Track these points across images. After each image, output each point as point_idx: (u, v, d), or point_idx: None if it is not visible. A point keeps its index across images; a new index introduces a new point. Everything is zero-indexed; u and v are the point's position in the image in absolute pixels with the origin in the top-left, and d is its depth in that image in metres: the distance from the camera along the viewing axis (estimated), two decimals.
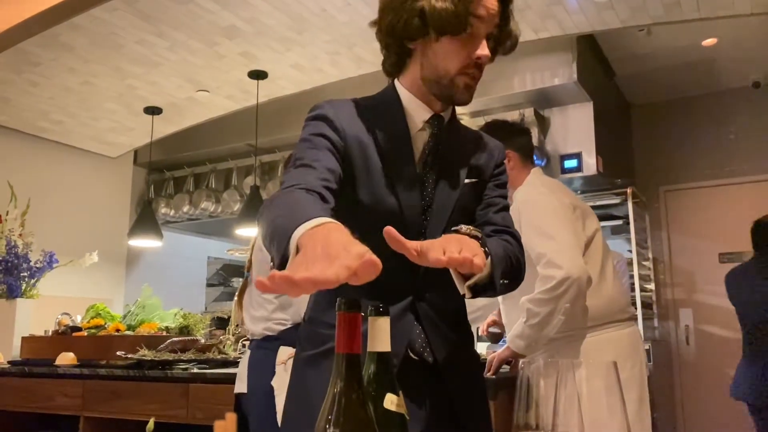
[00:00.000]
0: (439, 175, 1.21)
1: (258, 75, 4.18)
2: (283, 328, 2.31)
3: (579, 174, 4.13)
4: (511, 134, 2.25)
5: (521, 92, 4.11)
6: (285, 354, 2.22)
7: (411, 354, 1.17)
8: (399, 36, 1.18)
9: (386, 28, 1.18)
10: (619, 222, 4.72)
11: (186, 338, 3.03)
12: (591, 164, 4.12)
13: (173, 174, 5.70)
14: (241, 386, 2.37)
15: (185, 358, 2.85)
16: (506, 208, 1.31)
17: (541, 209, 2.08)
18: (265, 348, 2.30)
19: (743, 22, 3.79)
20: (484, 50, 1.13)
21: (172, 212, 5.49)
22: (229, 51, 3.86)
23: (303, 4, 3.37)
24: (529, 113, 4.21)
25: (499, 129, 2.26)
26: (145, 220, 4.81)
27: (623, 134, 5.29)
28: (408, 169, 1.19)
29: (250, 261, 2.49)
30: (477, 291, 1.07)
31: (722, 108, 5.05)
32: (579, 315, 2.02)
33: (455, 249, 0.91)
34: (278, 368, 2.20)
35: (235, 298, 2.57)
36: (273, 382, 2.19)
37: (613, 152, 4.54)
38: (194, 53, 3.87)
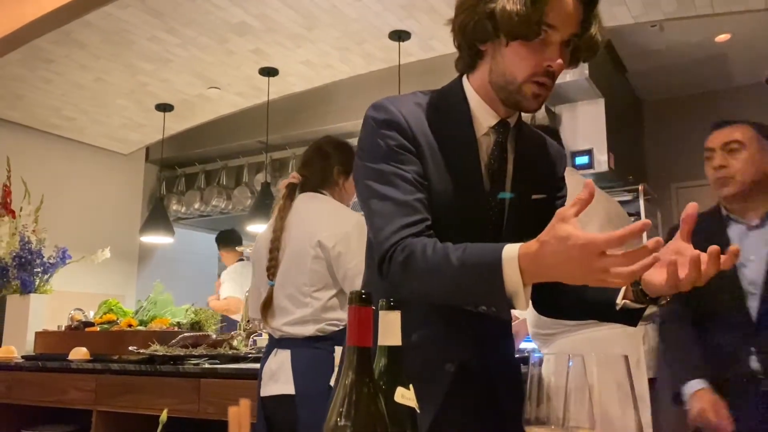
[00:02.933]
0: (505, 185, 1.18)
1: (269, 72, 4.20)
2: (336, 329, 2.20)
3: (590, 171, 4.11)
4: (547, 133, 2.33)
5: None
6: None
7: (461, 361, 1.16)
8: (470, 37, 1.14)
9: (458, 27, 1.15)
10: (631, 219, 4.69)
11: (197, 333, 3.05)
12: (602, 161, 4.10)
13: (185, 171, 5.73)
14: (279, 387, 2.21)
15: (197, 354, 2.87)
16: None
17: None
18: (315, 348, 2.18)
19: (757, 17, 3.75)
20: (556, 58, 1.07)
21: (184, 209, 5.52)
22: (239, 48, 3.88)
23: (313, 1, 3.37)
24: (540, 110, 4.19)
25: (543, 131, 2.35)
26: (156, 216, 4.84)
27: (635, 131, 5.26)
28: (474, 176, 1.15)
29: (275, 267, 2.27)
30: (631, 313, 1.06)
31: (735, 104, 5.00)
32: None
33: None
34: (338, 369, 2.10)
35: (260, 307, 2.41)
36: (333, 383, 2.09)
37: (624, 149, 4.52)
38: (205, 50, 3.88)
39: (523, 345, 2.80)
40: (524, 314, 2.61)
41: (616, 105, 4.41)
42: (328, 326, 2.20)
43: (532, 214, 1.17)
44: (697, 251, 0.91)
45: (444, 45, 3.78)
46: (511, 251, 0.91)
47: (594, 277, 0.84)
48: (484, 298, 0.96)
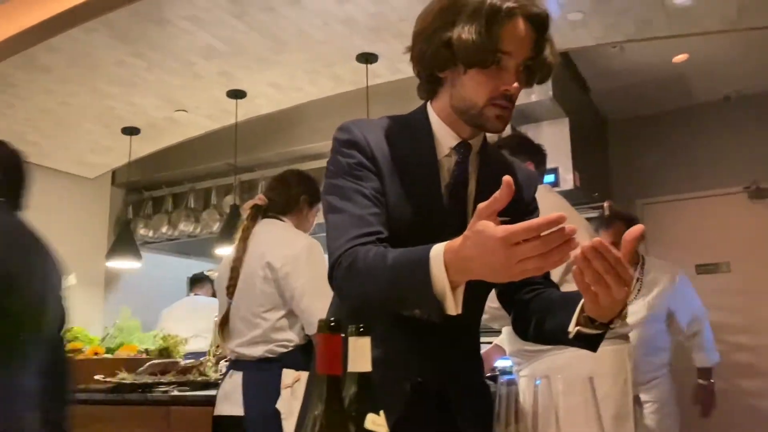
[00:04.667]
0: (468, 205, 1.20)
1: (236, 94, 4.19)
2: (285, 350, 2.25)
3: (557, 189, 4.18)
4: (533, 151, 2.43)
5: None
6: (290, 377, 2.18)
7: (419, 383, 1.17)
8: (428, 65, 1.17)
9: (417, 56, 1.19)
10: (598, 236, 4.77)
11: (166, 360, 3.00)
12: (568, 179, 4.17)
13: (152, 194, 5.66)
14: (231, 408, 2.29)
15: (165, 381, 2.82)
16: None
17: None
18: (264, 370, 2.24)
19: (712, 38, 3.88)
20: (513, 82, 1.12)
21: (151, 233, 5.44)
22: (206, 71, 3.87)
23: (279, 25, 3.39)
24: (506, 130, 4.26)
25: (523, 144, 2.46)
26: (123, 241, 4.77)
27: (600, 149, 5.37)
28: (433, 195, 1.18)
29: (234, 287, 2.35)
30: (586, 337, 1.07)
31: (695, 122, 5.15)
32: None
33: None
34: (284, 392, 2.16)
35: (217, 327, 2.47)
36: (279, 406, 2.15)
37: (590, 167, 4.60)
38: (172, 73, 3.87)
39: (501, 363, 2.81)
40: (499, 339, 2.62)
41: (580, 124, 4.50)
42: (277, 347, 2.25)
43: None
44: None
45: (409, 63, 3.83)
46: (438, 247, 0.94)
47: (513, 269, 0.86)
48: (415, 295, 0.98)
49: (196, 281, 5.26)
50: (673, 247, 5.09)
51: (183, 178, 5.45)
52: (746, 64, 4.49)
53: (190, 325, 4.10)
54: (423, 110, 1.24)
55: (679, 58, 4.48)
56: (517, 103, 4.07)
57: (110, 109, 4.31)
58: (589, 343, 1.07)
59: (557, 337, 1.11)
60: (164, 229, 5.36)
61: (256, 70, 3.91)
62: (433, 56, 1.14)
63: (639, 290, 3.38)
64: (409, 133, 1.21)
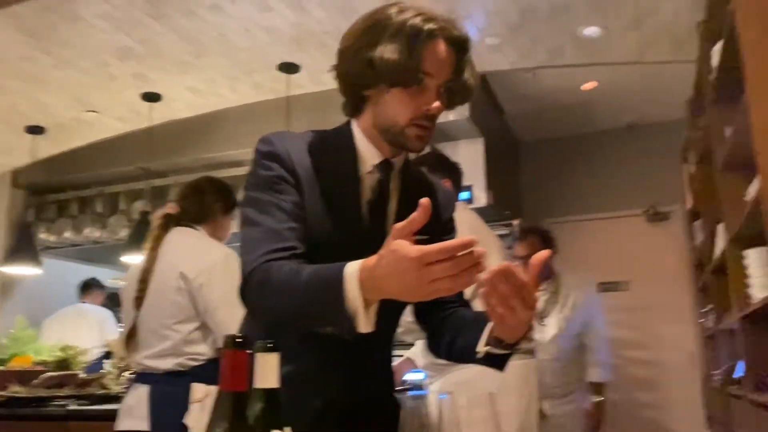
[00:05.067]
0: (388, 223, 1.21)
1: (151, 97, 4.07)
2: (196, 363, 2.18)
3: (471, 206, 4.29)
4: (450, 170, 2.48)
5: None
6: (200, 391, 2.11)
7: (330, 397, 1.17)
8: (352, 84, 1.19)
9: (341, 74, 1.19)
10: (512, 251, 4.92)
11: (63, 373, 2.85)
12: (482, 197, 4.29)
13: (57, 197, 5.37)
14: (134, 423, 2.19)
15: (62, 394, 2.68)
16: None
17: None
18: (173, 384, 2.14)
19: (619, 68, 4.12)
20: (434, 103, 1.14)
21: (53, 238, 5.16)
22: (121, 72, 3.74)
23: (201, 29, 3.33)
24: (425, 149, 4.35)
25: (442, 163, 2.51)
26: (22, 245, 4.51)
27: (512, 169, 5.56)
28: (353, 210, 1.18)
29: (143, 298, 2.26)
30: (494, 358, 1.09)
31: (600, 147, 5.42)
32: None
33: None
34: (193, 406, 2.09)
35: (124, 338, 2.35)
36: (187, 421, 2.08)
37: (502, 186, 4.76)
38: (84, 72, 3.71)
39: (412, 377, 2.84)
40: (411, 352, 2.66)
41: (494, 144, 4.65)
42: (188, 360, 2.18)
43: None
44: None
45: (334, 80, 3.84)
46: (353, 265, 0.95)
47: (425, 289, 0.88)
48: (327, 312, 0.98)
49: (87, 288, 4.98)
50: (578, 266, 5.32)
51: (91, 182, 5.21)
52: (648, 95, 4.79)
53: (75, 336, 3.89)
54: (347, 127, 1.25)
55: (588, 85, 4.73)
56: (437, 120, 4.18)
57: (13, 105, 4.08)
58: (497, 362, 1.11)
59: (467, 356, 1.14)
60: (68, 234, 5.09)
61: (174, 74, 3.81)
62: (357, 75, 1.16)
63: (554, 306, 3.49)
64: (332, 148, 1.22)
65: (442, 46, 1.13)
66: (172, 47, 3.49)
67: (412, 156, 1.32)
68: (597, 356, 3.58)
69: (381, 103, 1.17)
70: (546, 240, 3.49)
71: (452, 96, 1.19)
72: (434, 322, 1.29)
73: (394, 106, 1.14)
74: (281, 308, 1.05)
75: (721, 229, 2.86)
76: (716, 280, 3.20)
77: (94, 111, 4.24)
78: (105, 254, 5.19)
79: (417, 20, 1.12)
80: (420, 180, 1.33)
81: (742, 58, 1.79)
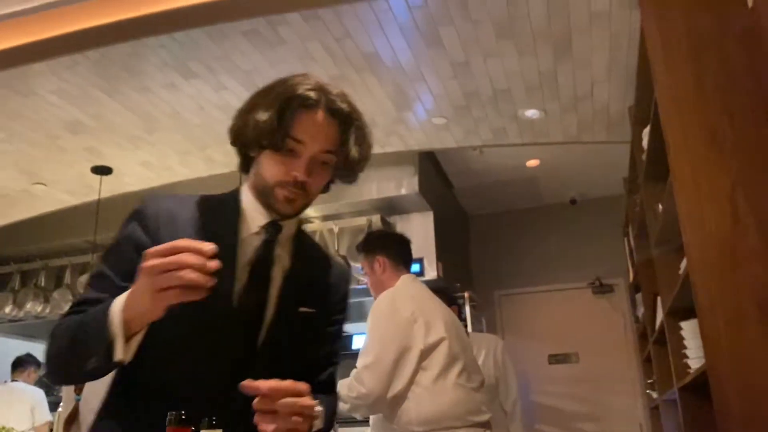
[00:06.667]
0: (271, 286, 1.19)
1: (102, 170, 4.06)
2: None
3: (421, 278, 4.34)
4: (388, 243, 2.52)
5: (369, 200, 4.34)
6: None
7: None
8: (238, 142, 1.21)
9: (231, 133, 1.22)
10: (461, 323, 4.95)
11: None
12: (432, 269, 4.36)
13: None
14: None
15: None
16: (335, 363, 1.31)
17: (379, 322, 2.25)
18: None
19: (560, 147, 4.33)
20: (302, 171, 1.13)
21: None
22: (72, 145, 3.74)
23: (154, 105, 3.38)
24: (376, 219, 4.43)
25: (379, 238, 2.58)
26: None
27: (462, 241, 5.68)
28: (225, 272, 1.05)
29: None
30: None
31: (545, 221, 5.61)
32: (405, 417, 2.15)
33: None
34: None
35: (63, 422, 2.26)
36: None
37: (452, 258, 4.85)
38: (33, 145, 3.70)
39: None
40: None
41: (444, 217, 4.76)
42: None
43: (298, 328, 1.20)
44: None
45: None
46: (125, 294, 0.97)
47: (157, 296, 0.90)
48: (91, 339, 0.97)
49: (19, 365, 4.73)
50: (528, 337, 5.40)
51: (35, 255, 5.09)
52: (589, 172, 5.02)
53: (3, 416, 3.69)
54: (238, 188, 1.27)
55: (532, 163, 4.94)
56: (387, 194, 4.35)
57: None
58: None
59: None
60: (8, 309, 4.92)
61: (126, 148, 3.83)
62: (239, 134, 1.19)
63: None
64: (220, 209, 1.22)
65: (320, 116, 1.14)
66: (125, 122, 3.52)
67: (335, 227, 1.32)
68: (517, 413, 3.66)
69: (258, 164, 1.19)
70: (452, 301, 3.62)
71: (335, 170, 1.20)
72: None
73: (266, 168, 1.16)
74: (57, 349, 1.05)
75: (660, 301, 2.97)
76: (658, 351, 3.27)
77: (42, 183, 4.19)
78: (47, 330, 5.00)
79: (300, 89, 1.14)
80: (313, 251, 1.33)
81: (666, 142, 1.93)
